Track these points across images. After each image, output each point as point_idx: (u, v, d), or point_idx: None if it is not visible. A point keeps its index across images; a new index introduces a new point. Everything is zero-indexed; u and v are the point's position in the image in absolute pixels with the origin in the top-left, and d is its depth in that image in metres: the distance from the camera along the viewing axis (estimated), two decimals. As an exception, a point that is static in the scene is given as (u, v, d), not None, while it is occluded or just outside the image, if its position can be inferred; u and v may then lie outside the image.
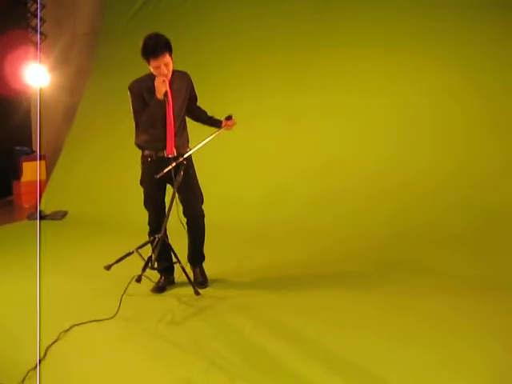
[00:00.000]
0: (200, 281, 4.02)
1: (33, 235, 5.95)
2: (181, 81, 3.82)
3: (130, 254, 3.81)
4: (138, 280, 3.52)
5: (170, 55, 3.61)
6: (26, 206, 7.78)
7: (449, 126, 5.76)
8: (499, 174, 5.42)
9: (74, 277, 4.30)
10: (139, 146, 3.87)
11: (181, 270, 3.82)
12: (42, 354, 2.87)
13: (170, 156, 3.75)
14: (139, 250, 3.78)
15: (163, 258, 3.90)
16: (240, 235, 5.46)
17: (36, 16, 8.31)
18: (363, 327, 3.21)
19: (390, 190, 5.67)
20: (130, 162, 6.82)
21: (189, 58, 5.89)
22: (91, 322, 3.30)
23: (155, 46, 3.50)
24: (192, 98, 3.96)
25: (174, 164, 3.67)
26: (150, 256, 3.68)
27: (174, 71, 3.73)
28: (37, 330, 3.09)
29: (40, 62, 7.72)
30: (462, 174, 5.52)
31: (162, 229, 3.70)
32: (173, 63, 3.65)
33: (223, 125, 4.05)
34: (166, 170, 3.62)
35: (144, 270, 3.62)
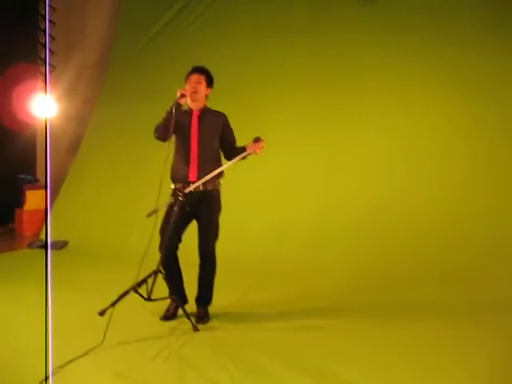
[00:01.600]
0: (201, 315, 3.97)
1: (33, 264, 5.95)
2: (214, 119, 3.97)
3: (126, 293, 3.64)
4: (101, 314, 3.53)
5: (207, 82, 3.93)
6: (28, 235, 7.74)
7: (453, 162, 5.83)
8: (502, 210, 5.47)
9: (72, 307, 4.22)
10: (171, 178, 3.96)
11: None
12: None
13: (193, 190, 3.78)
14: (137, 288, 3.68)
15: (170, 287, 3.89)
16: (243, 269, 5.46)
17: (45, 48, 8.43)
18: (365, 363, 3.20)
19: (393, 225, 5.71)
20: (133, 193, 6.92)
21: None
22: (84, 355, 3.23)
23: (198, 67, 4.00)
24: (227, 140, 4.02)
25: (170, 200, 3.76)
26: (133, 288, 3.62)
27: (208, 108, 3.99)
28: (45, 361, 3.03)
29: (47, 92, 7.80)
30: (466, 209, 5.58)
31: (160, 259, 3.73)
32: (206, 96, 3.97)
33: (249, 147, 3.88)
34: (158, 208, 3.63)
35: (115, 303, 3.56)
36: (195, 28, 7.70)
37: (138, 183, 6.85)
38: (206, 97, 4.00)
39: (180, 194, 3.72)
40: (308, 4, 6.87)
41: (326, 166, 6.31)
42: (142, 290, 3.67)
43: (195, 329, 3.73)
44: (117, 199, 7.00)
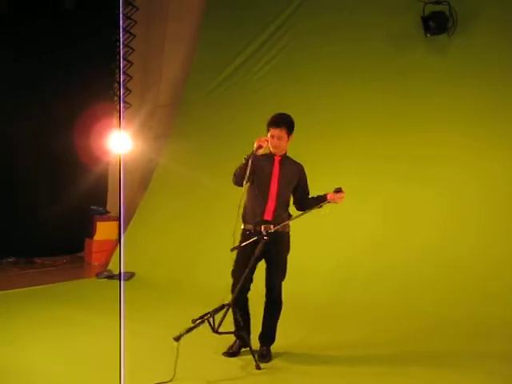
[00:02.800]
0: (264, 354, 4.00)
1: (99, 293, 6.20)
2: (291, 167, 4.09)
3: (202, 322, 3.75)
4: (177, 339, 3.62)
5: (288, 133, 3.99)
6: (96, 264, 8.01)
7: (500, 209, 5.83)
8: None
9: (136, 338, 4.29)
10: (243, 218, 4.07)
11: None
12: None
13: (264, 231, 3.87)
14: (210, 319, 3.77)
15: (239, 325, 3.95)
16: (305, 308, 5.49)
17: (123, 87, 8.91)
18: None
19: (441, 269, 5.76)
20: (199, 228, 7.09)
21: (260, 131, 6.24)
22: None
23: (278, 118, 4.02)
24: (301, 189, 4.13)
25: (254, 238, 3.79)
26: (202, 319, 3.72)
27: (288, 156, 4.11)
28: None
29: (122, 129, 8.18)
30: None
31: (233, 296, 3.83)
32: (287, 144, 4.05)
33: (329, 197, 4.00)
34: (244, 243, 3.75)
35: (188, 331, 3.65)
36: (264, 73, 7.95)
37: (204, 219, 7.04)
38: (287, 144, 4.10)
39: (264, 234, 3.83)
40: (377, 51, 6.98)
41: (381, 212, 6.43)
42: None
43: (257, 367, 3.78)
44: (184, 234, 7.19)
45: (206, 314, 3.77)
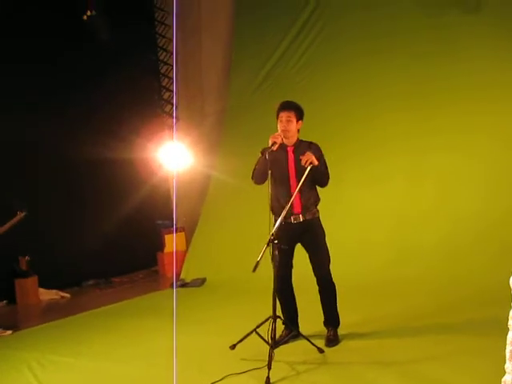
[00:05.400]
0: (331, 338, 4.08)
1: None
2: (305, 151, 4.00)
3: (250, 333, 3.96)
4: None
5: (296, 117, 4.03)
6: (170, 276, 8.31)
7: None
8: None
9: (211, 339, 4.56)
10: (272, 211, 4.15)
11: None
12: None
13: (295, 221, 4.03)
14: (258, 330, 3.93)
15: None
16: (363, 285, 5.70)
17: (169, 102, 9.24)
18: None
19: (473, 240, 5.88)
20: (261, 229, 7.19)
21: (308, 120, 6.33)
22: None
23: (286, 103, 4.11)
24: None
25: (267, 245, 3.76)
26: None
27: (301, 141, 4.13)
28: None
29: (176, 143, 8.46)
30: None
31: (275, 285, 3.92)
32: (298, 130, 4.08)
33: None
34: (259, 259, 3.63)
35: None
36: (303, 63, 8.02)
37: (262, 218, 7.16)
38: (298, 130, 4.13)
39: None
40: (413, 27, 6.97)
41: (407, 188, 6.56)
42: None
43: (320, 351, 3.88)
44: (245, 235, 7.32)
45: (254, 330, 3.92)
